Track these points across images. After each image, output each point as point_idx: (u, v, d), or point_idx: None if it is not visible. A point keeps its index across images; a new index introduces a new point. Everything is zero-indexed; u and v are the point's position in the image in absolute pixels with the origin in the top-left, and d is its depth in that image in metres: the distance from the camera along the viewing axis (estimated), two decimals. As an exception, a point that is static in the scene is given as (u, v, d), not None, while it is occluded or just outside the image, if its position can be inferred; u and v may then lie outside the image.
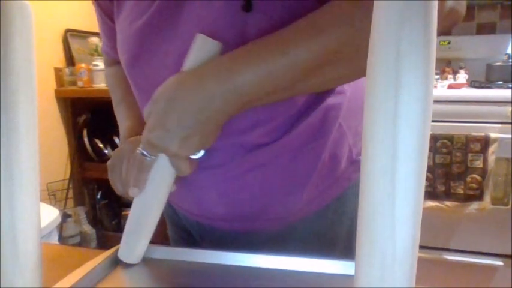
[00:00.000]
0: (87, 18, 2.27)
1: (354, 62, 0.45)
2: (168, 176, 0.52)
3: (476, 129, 1.63)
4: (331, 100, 0.58)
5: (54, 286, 0.47)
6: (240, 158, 0.58)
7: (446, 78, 2.06)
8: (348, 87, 0.60)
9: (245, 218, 0.63)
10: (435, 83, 1.86)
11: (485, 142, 1.60)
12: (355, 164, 0.63)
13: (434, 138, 1.65)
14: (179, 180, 0.63)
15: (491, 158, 1.61)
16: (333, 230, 0.64)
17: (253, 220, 0.63)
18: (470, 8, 2.15)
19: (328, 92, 0.58)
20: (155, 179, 0.52)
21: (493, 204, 1.65)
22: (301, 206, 0.61)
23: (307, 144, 0.58)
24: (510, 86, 1.78)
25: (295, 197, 0.60)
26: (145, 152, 0.50)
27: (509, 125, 1.60)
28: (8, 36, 0.32)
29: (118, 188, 0.57)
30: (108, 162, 0.59)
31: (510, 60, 2.02)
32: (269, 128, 0.57)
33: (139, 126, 0.63)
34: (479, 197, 1.64)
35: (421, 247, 0.33)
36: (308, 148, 0.58)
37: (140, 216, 0.55)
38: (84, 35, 2.30)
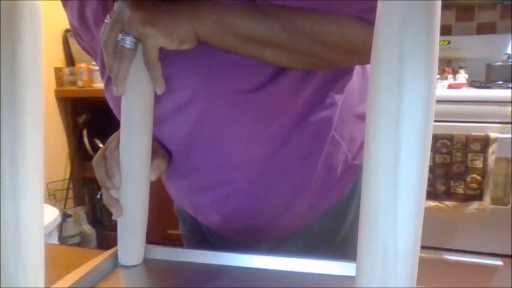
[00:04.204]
0: (87, 18, 2.27)
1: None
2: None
3: (476, 129, 1.63)
4: (321, 114, 0.58)
5: (54, 286, 0.47)
6: (236, 179, 0.59)
7: (446, 78, 2.06)
8: (338, 97, 0.59)
9: (251, 231, 0.65)
10: (435, 83, 1.85)
11: (485, 142, 1.60)
12: (351, 168, 0.63)
13: (434, 138, 1.64)
14: (186, 201, 0.64)
15: (491, 158, 1.61)
16: (335, 232, 0.66)
17: (259, 231, 0.65)
18: (470, 8, 2.15)
19: (318, 107, 0.58)
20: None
21: (493, 204, 1.65)
22: (302, 214, 0.63)
23: (302, 159, 0.59)
24: (510, 86, 1.78)
25: (294, 209, 0.62)
26: (120, 36, 0.47)
27: (509, 125, 1.60)
28: (18, 34, 0.32)
29: (102, 178, 0.55)
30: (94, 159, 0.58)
31: (510, 60, 2.02)
32: (262, 145, 0.57)
33: None
34: (479, 197, 1.64)
35: (421, 247, 0.33)
36: (303, 163, 0.59)
37: (129, 207, 0.56)
38: (84, 35, 2.30)
